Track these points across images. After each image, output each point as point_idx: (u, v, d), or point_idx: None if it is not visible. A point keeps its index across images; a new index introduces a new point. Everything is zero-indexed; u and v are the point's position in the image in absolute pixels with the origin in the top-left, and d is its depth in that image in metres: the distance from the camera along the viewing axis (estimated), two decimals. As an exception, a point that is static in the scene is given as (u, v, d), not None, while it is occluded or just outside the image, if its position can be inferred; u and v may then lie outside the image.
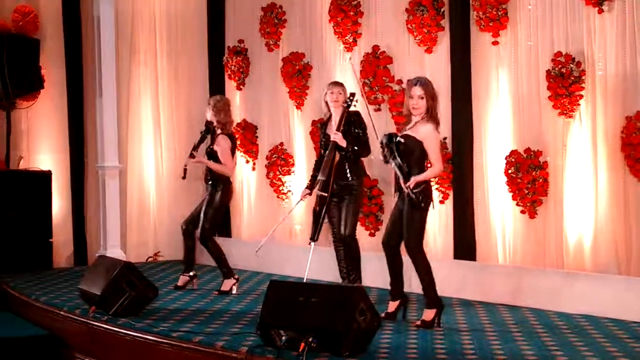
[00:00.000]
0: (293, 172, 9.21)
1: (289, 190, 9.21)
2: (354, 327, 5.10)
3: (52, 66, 10.45)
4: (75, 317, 6.86)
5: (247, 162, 9.78)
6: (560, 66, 6.79)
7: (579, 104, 6.78)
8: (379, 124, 7.58)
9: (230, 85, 10.06)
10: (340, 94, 7.16)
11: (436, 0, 7.69)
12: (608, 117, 6.65)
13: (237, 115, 9.69)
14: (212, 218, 7.80)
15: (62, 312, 7.05)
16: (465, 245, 7.51)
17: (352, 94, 7.08)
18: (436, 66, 7.75)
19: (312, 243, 6.91)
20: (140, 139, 10.26)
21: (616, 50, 6.57)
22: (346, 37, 8.50)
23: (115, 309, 6.52)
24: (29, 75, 10.26)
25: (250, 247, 7.52)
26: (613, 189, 6.63)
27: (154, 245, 10.25)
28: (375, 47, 8.22)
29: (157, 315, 6.66)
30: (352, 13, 8.42)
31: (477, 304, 7.03)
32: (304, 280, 6.75)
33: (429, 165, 6.18)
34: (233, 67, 9.88)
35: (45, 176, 9.95)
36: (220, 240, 8.08)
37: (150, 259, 10.07)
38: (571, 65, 6.73)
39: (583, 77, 6.72)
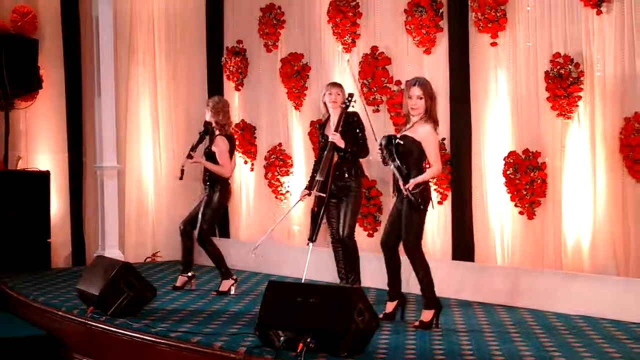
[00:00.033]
0: (291, 172, 9.21)
1: (288, 191, 9.21)
2: (352, 327, 5.10)
3: (51, 66, 10.44)
4: (74, 318, 6.85)
5: (246, 162, 9.78)
6: (558, 67, 6.79)
7: (577, 105, 6.78)
8: (377, 125, 7.58)
9: (228, 85, 10.06)
10: (339, 94, 7.16)
11: (435, 1, 7.70)
12: (606, 118, 6.66)
13: (236, 115, 9.70)
14: (210, 219, 7.79)
15: (60, 313, 7.05)
16: (463, 246, 7.51)
17: (351, 95, 7.09)
18: (435, 67, 7.75)
19: (311, 244, 6.91)
20: (138, 139, 10.25)
21: (615, 52, 6.57)
22: (345, 38, 8.51)
23: (113, 309, 6.51)
24: (27, 76, 10.25)
25: (249, 247, 7.51)
26: (611, 190, 6.63)
27: (152, 245, 10.24)
28: (374, 48, 8.22)
29: (155, 315, 6.66)
30: (350, 14, 8.43)
31: (475, 304, 7.04)
32: (303, 281, 6.75)
33: (427, 166, 6.18)
34: (232, 67, 9.88)
35: (44, 176, 9.94)
36: (218, 241, 8.08)
37: (148, 259, 10.06)
38: (570, 67, 6.74)
39: (582, 78, 6.73)
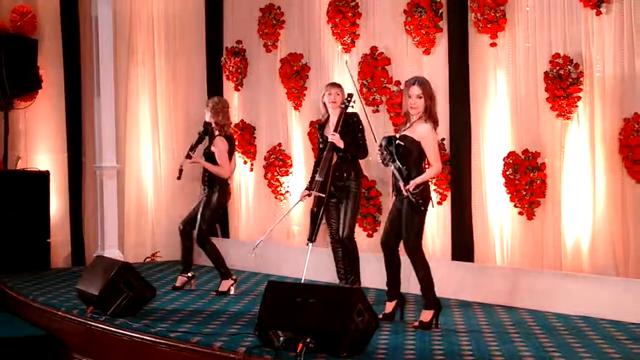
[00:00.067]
0: (291, 172, 9.21)
1: (287, 191, 9.22)
2: (352, 328, 5.10)
3: (50, 66, 10.44)
4: (73, 318, 6.85)
5: (245, 162, 9.79)
6: (558, 68, 6.79)
7: (576, 106, 6.79)
8: (376, 126, 7.59)
9: (228, 86, 10.06)
10: (338, 94, 7.17)
11: (434, 1, 7.70)
12: (606, 118, 6.66)
13: (235, 116, 9.70)
14: (209, 219, 7.79)
15: (59, 313, 7.05)
16: (463, 246, 7.51)
17: (350, 95, 7.09)
18: (434, 67, 7.75)
19: (310, 244, 6.91)
20: (138, 139, 10.26)
21: (614, 52, 6.58)
22: (344, 38, 8.51)
23: (113, 309, 6.51)
24: (26, 76, 10.26)
25: (248, 247, 7.51)
26: (611, 191, 6.64)
27: (151, 245, 10.24)
28: (374, 48, 8.23)
29: (154, 315, 6.66)
30: (350, 14, 8.43)
31: (475, 305, 7.04)
32: (302, 281, 6.75)
33: (427, 166, 6.19)
34: (231, 67, 9.89)
35: (43, 176, 9.95)
36: (218, 241, 8.08)
37: (148, 259, 10.06)
38: (569, 67, 6.74)
39: (581, 79, 6.73)
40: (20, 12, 10.52)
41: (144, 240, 10.24)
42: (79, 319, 6.75)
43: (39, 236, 9.69)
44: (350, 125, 7.06)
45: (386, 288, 6.40)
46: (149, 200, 10.32)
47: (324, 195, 6.97)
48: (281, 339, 5.21)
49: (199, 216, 7.76)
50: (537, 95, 7.05)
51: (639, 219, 6.47)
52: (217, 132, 7.83)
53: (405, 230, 6.07)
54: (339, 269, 7.27)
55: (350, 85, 7.54)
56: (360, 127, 7.11)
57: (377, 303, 6.50)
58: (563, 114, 6.84)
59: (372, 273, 7.38)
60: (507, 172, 7.15)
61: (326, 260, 7.66)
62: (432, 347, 5.49)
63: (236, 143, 8.92)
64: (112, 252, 9.25)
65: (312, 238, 6.92)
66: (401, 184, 6.00)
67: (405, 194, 5.98)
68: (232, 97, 9.87)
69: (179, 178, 7.85)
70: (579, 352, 5.33)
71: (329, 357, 5.09)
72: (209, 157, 7.80)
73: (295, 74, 9.03)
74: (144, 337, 6.07)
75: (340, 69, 8.59)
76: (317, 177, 7.05)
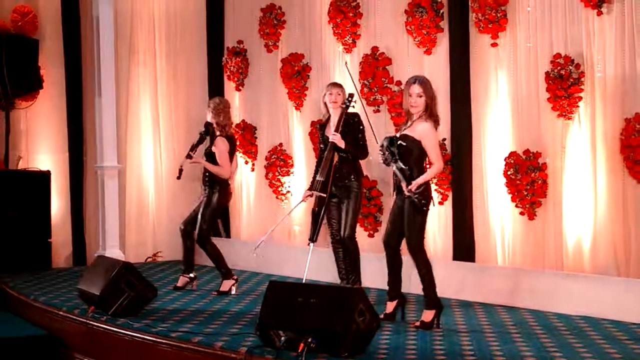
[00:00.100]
0: (292, 172, 9.21)
1: (288, 191, 9.22)
2: (353, 328, 5.10)
3: (51, 66, 10.45)
4: (74, 317, 6.86)
5: (246, 162, 9.79)
6: (559, 68, 6.79)
7: (578, 106, 6.79)
8: (377, 126, 7.59)
9: (229, 86, 10.06)
10: (339, 94, 7.16)
11: (435, 1, 7.70)
12: (607, 119, 6.66)
13: (236, 116, 9.70)
14: (210, 219, 7.79)
15: (61, 312, 7.05)
16: (464, 246, 7.51)
17: (351, 95, 7.09)
18: (435, 68, 7.75)
19: (311, 244, 6.92)
20: (139, 139, 10.26)
21: (615, 52, 6.58)
22: (345, 38, 8.51)
23: (114, 309, 6.52)
24: (28, 76, 10.25)
25: (250, 247, 7.52)
26: (612, 191, 6.64)
27: (152, 245, 10.25)
28: (375, 49, 8.23)
29: (156, 315, 6.66)
30: (351, 14, 8.43)
31: (476, 305, 7.04)
32: (303, 281, 6.76)
33: (427, 166, 6.19)
34: (232, 67, 9.89)
35: (44, 176, 9.95)
36: (219, 241, 8.08)
37: (149, 259, 10.06)
38: (570, 67, 6.74)
39: (582, 79, 6.73)
40: (21, 12, 10.52)
41: (145, 240, 10.25)
42: (80, 319, 6.75)
43: (40, 236, 9.69)
44: (351, 126, 7.06)
45: (387, 288, 6.41)
46: (150, 200, 10.32)
47: (325, 195, 6.97)
48: (282, 339, 5.21)
49: (199, 216, 7.76)
50: (538, 95, 7.05)
51: (640, 219, 6.48)
52: (218, 133, 7.83)
53: (407, 230, 6.07)
54: (339, 269, 7.27)
55: (350, 85, 7.54)
56: (361, 127, 7.11)
57: (378, 303, 6.50)
58: (564, 114, 6.84)
59: (373, 273, 7.38)
60: (509, 172, 7.15)
61: (327, 260, 7.66)
62: (433, 347, 5.49)
63: (237, 143, 8.93)
64: (113, 252, 9.26)
65: (313, 238, 6.93)
66: (403, 184, 6.00)
67: (407, 194, 5.98)
68: (233, 97, 9.87)
69: (178, 178, 7.85)
70: (580, 352, 5.33)
71: (330, 357, 5.10)
72: (210, 157, 7.80)
73: (296, 74, 9.03)
74: (145, 337, 6.07)
75: (341, 69, 8.59)
76: (318, 177, 7.05)
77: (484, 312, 6.74)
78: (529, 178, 6.99)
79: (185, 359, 5.74)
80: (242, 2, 9.93)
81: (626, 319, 6.23)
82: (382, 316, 6.12)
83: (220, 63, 10.08)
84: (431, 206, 6.10)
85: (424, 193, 6.02)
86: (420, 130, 6.08)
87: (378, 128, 7.48)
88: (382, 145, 6.09)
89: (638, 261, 6.49)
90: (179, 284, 8.00)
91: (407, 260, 6.22)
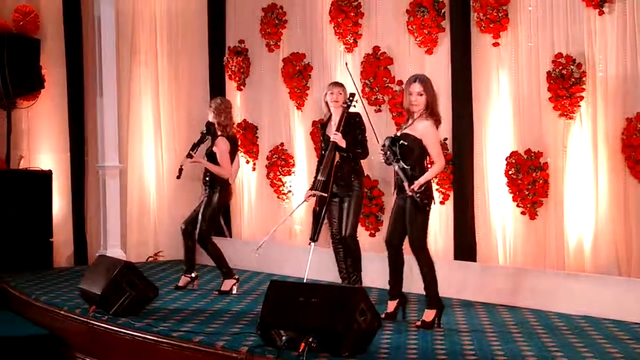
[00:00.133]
0: (293, 172, 9.21)
1: (290, 191, 9.22)
2: (354, 327, 5.10)
3: (53, 66, 10.45)
4: (76, 317, 6.86)
5: (248, 162, 9.79)
6: (560, 67, 6.79)
7: (579, 106, 6.79)
8: (379, 125, 7.59)
9: (230, 85, 10.06)
10: (340, 94, 7.17)
11: (437, 1, 7.70)
12: (608, 118, 6.66)
13: (238, 115, 9.70)
14: (210, 219, 7.79)
15: (62, 312, 7.06)
16: (465, 246, 7.51)
17: (352, 94, 7.09)
18: (436, 67, 7.75)
19: (312, 243, 6.92)
20: (140, 138, 10.26)
21: (617, 52, 6.58)
22: (347, 38, 8.51)
23: (115, 308, 6.52)
24: (29, 75, 10.27)
25: (251, 247, 7.53)
26: (613, 191, 6.63)
27: (154, 244, 10.25)
28: (376, 48, 8.23)
29: (157, 315, 6.67)
30: (352, 14, 8.43)
31: (477, 304, 7.04)
32: (304, 281, 6.76)
33: (428, 165, 6.18)
34: (233, 67, 9.89)
35: (46, 176, 9.96)
36: (220, 241, 8.08)
37: (150, 259, 10.07)
38: (572, 67, 6.74)
39: (583, 79, 6.73)
40: (22, 11, 10.53)
41: (147, 240, 10.25)
42: (82, 318, 6.76)
43: (42, 235, 9.70)
44: (353, 125, 7.06)
45: (388, 287, 6.40)
46: (151, 199, 10.32)
47: (326, 195, 6.98)
48: (283, 338, 5.21)
49: (199, 216, 7.76)
50: (540, 95, 7.04)
51: (642, 218, 6.48)
52: (219, 133, 7.83)
53: (410, 229, 6.07)
54: (340, 268, 7.27)
55: (351, 85, 7.54)
56: (362, 127, 7.11)
57: (379, 303, 6.50)
58: (565, 113, 6.84)
59: (375, 272, 7.38)
60: (510, 172, 7.14)
61: (328, 259, 7.66)
62: (434, 347, 5.50)
63: (239, 143, 8.93)
64: (114, 251, 9.26)
65: (314, 237, 6.93)
66: (406, 184, 5.99)
67: (409, 193, 5.97)
68: (235, 96, 9.87)
69: (178, 177, 7.85)
70: (582, 352, 5.33)
71: (332, 357, 5.10)
72: (211, 157, 7.80)
73: (297, 74, 9.04)
74: (147, 336, 6.08)
75: (342, 68, 8.59)
76: (319, 177, 7.05)
77: (485, 312, 6.74)
78: (530, 178, 6.99)
79: (186, 359, 5.74)
80: (244, 1, 9.93)
81: (627, 318, 6.23)
82: (383, 315, 6.12)
83: (222, 63, 10.08)
84: (433, 205, 6.10)
85: (426, 192, 6.02)
86: (421, 128, 6.07)
87: (379, 128, 7.47)
88: (383, 145, 6.09)
89: (639, 261, 6.49)
90: (180, 283, 8.01)
91: (408, 259, 6.22)
